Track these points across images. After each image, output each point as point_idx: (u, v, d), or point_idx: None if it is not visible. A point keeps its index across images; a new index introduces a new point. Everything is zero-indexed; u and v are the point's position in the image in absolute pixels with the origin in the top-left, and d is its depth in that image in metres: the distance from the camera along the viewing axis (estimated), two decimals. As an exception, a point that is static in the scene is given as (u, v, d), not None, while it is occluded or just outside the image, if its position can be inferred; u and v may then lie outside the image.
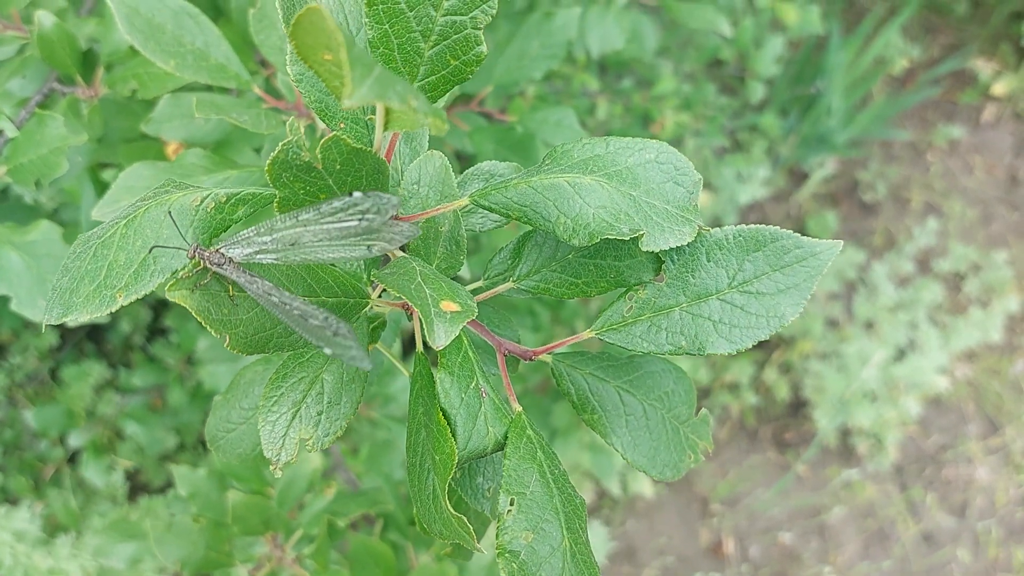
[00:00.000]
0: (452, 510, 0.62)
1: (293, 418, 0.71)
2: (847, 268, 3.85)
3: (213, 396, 2.82)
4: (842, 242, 0.73)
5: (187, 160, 1.05)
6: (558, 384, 0.78)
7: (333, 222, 0.63)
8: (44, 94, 1.39)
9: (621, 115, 2.86)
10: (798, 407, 3.75)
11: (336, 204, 0.62)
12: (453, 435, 0.66)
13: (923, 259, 4.00)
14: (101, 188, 1.51)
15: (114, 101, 1.43)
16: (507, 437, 0.69)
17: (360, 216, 0.63)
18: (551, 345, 0.78)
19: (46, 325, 0.65)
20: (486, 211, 0.78)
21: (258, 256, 0.64)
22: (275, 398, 0.71)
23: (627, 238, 0.65)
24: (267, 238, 0.64)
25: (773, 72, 3.09)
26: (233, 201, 0.64)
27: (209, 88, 1.40)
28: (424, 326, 0.58)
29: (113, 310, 0.61)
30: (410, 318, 0.78)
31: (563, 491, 0.68)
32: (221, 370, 2.33)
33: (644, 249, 0.66)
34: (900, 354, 3.66)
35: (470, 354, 0.69)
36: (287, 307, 0.63)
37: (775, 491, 3.58)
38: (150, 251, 0.62)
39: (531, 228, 0.78)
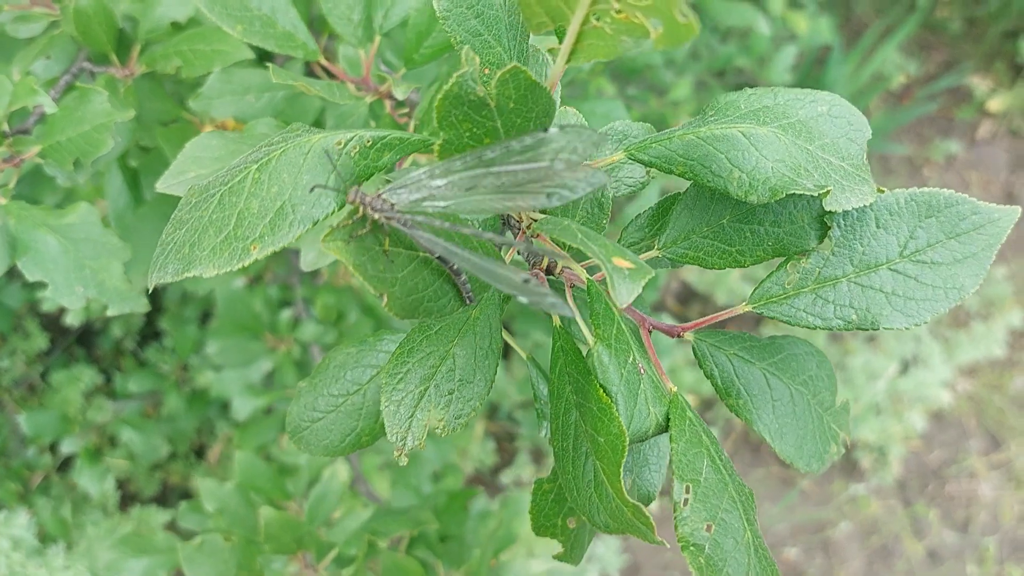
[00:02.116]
0: (627, 497, 0.55)
1: (421, 397, 0.63)
2: (850, 281, 3.82)
3: (213, 402, 2.73)
4: (1020, 208, 0.67)
5: (257, 130, 0.97)
6: (700, 365, 0.71)
7: (522, 162, 0.55)
8: (73, 74, 1.30)
9: (637, 120, 2.80)
10: (801, 421, 3.70)
11: (528, 141, 0.54)
12: (614, 414, 0.59)
13: (924, 273, 3.98)
14: (129, 173, 1.42)
15: (148, 82, 1.35)
16: (668, 418, 0.61)
17: (553, 156, 0.55)
18: (698, 321, 0.71)
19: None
20: (630, 169, 0.71)
21: (426, 203, 0.56)
22: (400, 375, 0.63)
23: (814, 194, 0.58)
24: (441, 182, 0.56)
25: (786, 80, 3.06)
26: (379, 145, 0.57)
27: (252, 63, 1.32)
28: (608, 283, 0.51)
29: (246, 264, 0.53)
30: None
31: (734, 479, 0.61)
32: (231, 376, 2.24)
33: (827, 208, 0.59)
34: (903, 367, 3.63)
35: (623, 327, 0.62)
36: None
37: (780, 506, 3.53)
38: (311, 191, 0.54)
39: (673, 194, 0.71)
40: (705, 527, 0.57)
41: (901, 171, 4.36)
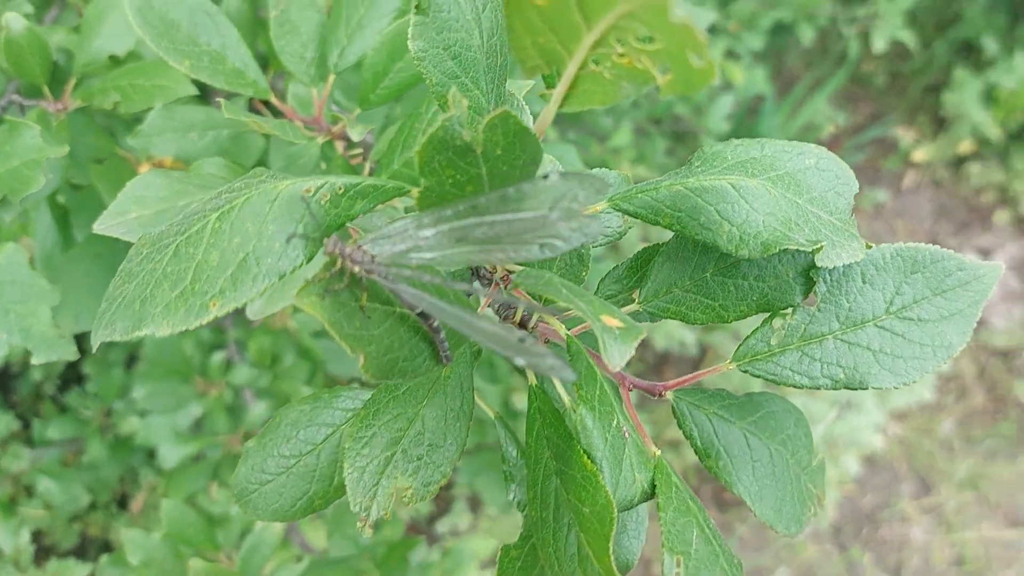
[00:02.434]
0: (616, 573, 0.51)
1: (388, 464, 0.58)
2: (784, 326, 3.86)
3: (139, 449, 2.60)
4: (1003, 265, 0.65)
5: (205, 169, 0.92)
6: (680, 425, 0.68)
7: (518, 211, 0.51)
8: (2, 107, 1.24)
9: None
10: (738, 465, 3.71)
11: (526, 187, 0.50)
12: (599, 482, 0.55)
13: (855, 319, 4.06)
14: (58, 212, 1.35)
15: (82, 117, 1.28)
16: (653, 485, 0.58)
17: (553, 204, 0.51)
18: (679, 380, 0.68)
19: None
20: (608, 219, 0.68)
21: (411, 255, 0.52)
22: (364, 439, 0.58)
23: (807, 250, 0.56)
24: (429, 232, 0.51)
25: (723, 129, 3.11)
26: (352, 193, 0.52)
27: (191, 101, 1.26)
28: (600, 345, 0.48)
29: (204, 322, 0.48)
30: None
31: (724, 549, 0.57)
32: (158, 422, 2.14)
33: (819, 264, 0.57)
34: (838, 411, 3.68)
35: (606, 388, 0.59)
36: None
37: (718, 552, 3.51)
38: (288, 240, 0.49)
39: (653, 243, 0.68)
40: (698, 604, 0.53)
41: (831, 218, 4.45)
